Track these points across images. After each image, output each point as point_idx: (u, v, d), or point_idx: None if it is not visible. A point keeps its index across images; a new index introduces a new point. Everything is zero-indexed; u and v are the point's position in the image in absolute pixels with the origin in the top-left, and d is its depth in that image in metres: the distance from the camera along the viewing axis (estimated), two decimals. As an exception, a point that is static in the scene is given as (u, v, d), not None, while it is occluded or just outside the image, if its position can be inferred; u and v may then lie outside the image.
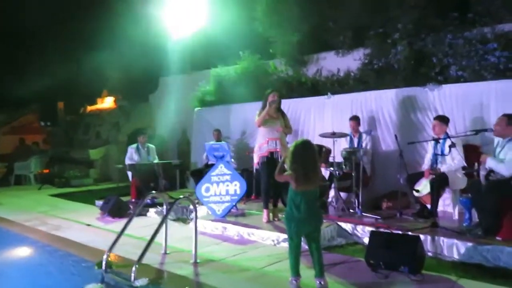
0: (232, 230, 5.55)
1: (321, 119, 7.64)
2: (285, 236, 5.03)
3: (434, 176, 5.51)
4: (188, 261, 4.30)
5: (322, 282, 3.43)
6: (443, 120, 5.67)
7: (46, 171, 12.01)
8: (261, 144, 5.68)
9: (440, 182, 5.44)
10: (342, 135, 6.38)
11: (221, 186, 6.13)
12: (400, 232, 4.77)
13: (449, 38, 6.39)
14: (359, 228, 5.19)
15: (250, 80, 9.00)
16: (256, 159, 5.78)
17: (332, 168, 6.40)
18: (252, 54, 9.24)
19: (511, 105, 5.58)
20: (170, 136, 11.41)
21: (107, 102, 13.61)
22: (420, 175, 5.81)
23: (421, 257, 3.83)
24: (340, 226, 5.35)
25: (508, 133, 4.51)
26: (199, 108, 9.88)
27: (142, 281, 3.63)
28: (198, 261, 4.30)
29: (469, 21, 6.51)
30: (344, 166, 6.28)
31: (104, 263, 4.04)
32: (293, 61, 8.65)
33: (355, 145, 6.78)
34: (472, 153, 5.46)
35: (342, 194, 6.68)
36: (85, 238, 5.52)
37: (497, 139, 4.73)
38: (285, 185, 6.26)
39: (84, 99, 13.50)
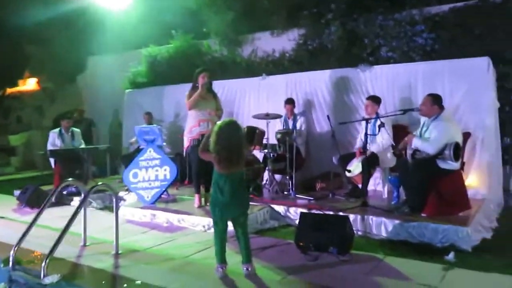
0: (162, 217, 5.28)
1: (257, 101, 7.50)
2: (216, 221, 4.87)
3: (364, 156, 5.59)
4: (110, 253, 3.99)
5: (249, 268, 3.29)
6: (375, 100, 5.71)
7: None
8: (192, 126, 5.42)
9: (370, 162, 5.50)
10: (276, 116, 6.27)
11: (150, 171, 5.80)
12: (331, 212, 4.77)
13: (380, 19, 6.43)
14: (292, 210, 5.13)
15: (183, 61, 8.65)
16: (186, 143, 5.51)
17: (266, 150, 6.31)
18: (186, 33, 8.85)
19: (436, 86, 5.77)
20: (101, 120, 10.76)
21: (30, 84, 12.55)
22: (352, 155, 5.86)
23: (350, 237, 3.81)
24: (273, 209, 5.26)
25: (433, 112, 4.60)
26: (130, 90, 9.36)
27: (53, 278, 3.29)
28: (120, 252, 4.00)
29: (399, 3, 6.59)
30: (278, 148, 6.19)
31: (11, 259, 3.64)
32: (228, 41, 8.37)
33: (290, 126, 6.73)
34: (401, 132, 5.55)
35: (277, 176, 6.62)
36: (-5, 232, 5.00)
37: (423, 119, 4.81)
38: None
39: (3, 80, 12.32)
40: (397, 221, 4.38)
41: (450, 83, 5.74)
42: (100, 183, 4.49)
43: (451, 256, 3.73)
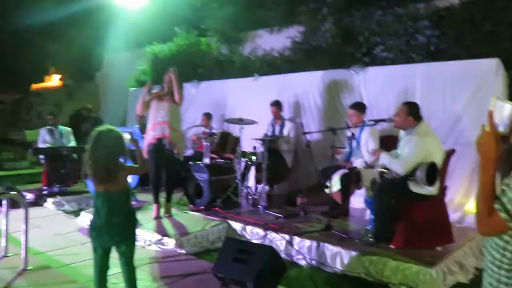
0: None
1: (249, 103, 6.94)
2: (160, 236, 4.41)
3: (346, 170, 4.90)
4: (18, 268, 3.63)
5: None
6: (359, 108, 5.01)
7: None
8: (148, 130, 5.00)
9: (350, 177, 4.80)
10: (250, 122, 5.66)
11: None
12: (285, 236, 4.15)
13: (379, 14, 5.65)
14: (248, 228, 4.54)
15: (184, 59, 8.27)
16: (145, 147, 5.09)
17: (244, 159, 5.75)
18: (188, 30, 8.48)
19: (437, 91, 4.95)
20: (112, 118, 10.67)
21: (54, 81, 12.80)
22: (336, 168, 5.14)
23: (274, 272, 3.17)
24: (230, 226, 4.70)
25: (407, 125, 3.83)
26: (135, 88, 9.16)
27: None
28: (29, 267, 3.64)
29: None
30: (253, 157, 5.60)
31: None
32: (227, 39, 7.88)
33: (276, 132, 6.13)
34: (392, 146, 4.77)
35: (260, 187, 6.03)
36: None
37: (402, 132, 4.05)
38: (189, 174, 5.65)
39: (29, 77, 12.66)
40: (354, 253, 3.68)
41: (452, 89, 4.89)
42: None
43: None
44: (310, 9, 6.50)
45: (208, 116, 6.85)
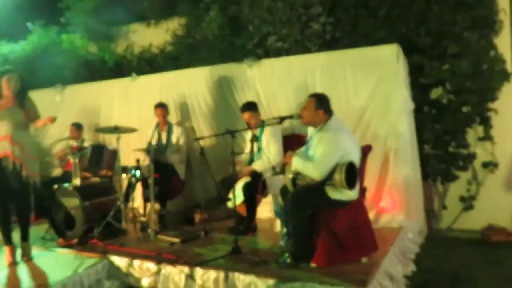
0: None
1: (127, 107, 5.95)
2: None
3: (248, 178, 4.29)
4: None
5: None
6: (252, 108, 4.46)
7: None
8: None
9: (252, 185, 4.17)
10: (129, 129, 4.71)
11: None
12: (184, 269, 3.32)
13: (268, 1, 5.12)
14: (136, 264, 3.61)
15: (43, 61, 6.90)
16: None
17: (126, 174, 4.76)
18: (46, 27, 7.12)
19: (338, 83, 4.57)
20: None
21: None
22: (238, 177, 4.45)
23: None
24: (111, 263, 3.71)
25: (318, 120, 3.29)
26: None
27: None
28: None
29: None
30: (137, 172, 4.64)
31: None
32: (94, 35, 6.74)
33: (163, 141, 5.27)
34: (297, 146, 4.21)
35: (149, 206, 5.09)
36: None
37: (310, 129, 3.51)
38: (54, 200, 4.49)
39: None
40: (271, 281, 3.01)
41: (354, 79, 4.53)
42: None
43: None
44: (190, -1, 5.75)
45: (77, 127, 5.71)
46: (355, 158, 3.21)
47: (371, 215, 4.20)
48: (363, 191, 3.57)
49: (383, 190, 4.37)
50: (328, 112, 3.29)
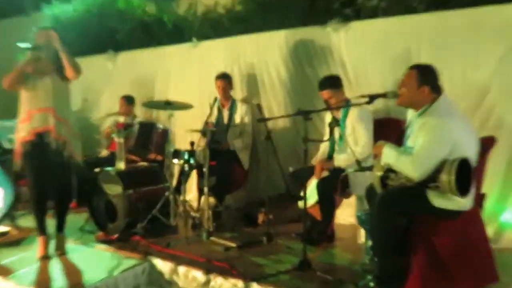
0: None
1: (185, 78, 6.03)
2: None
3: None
4: None
5: None
6: (333, 85, 4.18)
7: None
8: (22, 121, 3.87)
9: (330, 182, 3.89)
10: (182, 106, 4.60)
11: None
12: (240, 283, 3.16)
13: None
14: (181, 271, 3.52)
15: (96, 23, 7.16)
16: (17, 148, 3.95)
17: (178, 160, 4.69)
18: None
19: (450, 52, 4.16)
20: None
21: None
22: (311, 171, 4.20)
23: None
24: (153, 267, 3.67)
25: (422, 100, 2.91)
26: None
27: None
28: None
29: None
30: (191, 158, 4.55)
31: None
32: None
33: (225, 120, 5.22)
34: (393, 133, 3.90)
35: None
36: None
37: (410, 111, 3.15)
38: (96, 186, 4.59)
39: None
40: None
41: (472, 48, 4.08)
42: None
43: None
44: None
45: (128, 100, 5.87)
46: (471, 153, 2.82)
47: (490, 231, 3.79)
48: (480, 198, 3.18)
49: (508, 198, 3.92)
50: (436, 90, 2.91)
